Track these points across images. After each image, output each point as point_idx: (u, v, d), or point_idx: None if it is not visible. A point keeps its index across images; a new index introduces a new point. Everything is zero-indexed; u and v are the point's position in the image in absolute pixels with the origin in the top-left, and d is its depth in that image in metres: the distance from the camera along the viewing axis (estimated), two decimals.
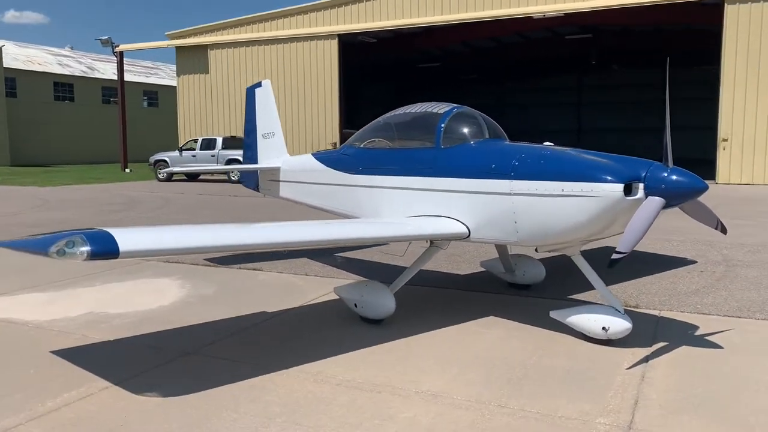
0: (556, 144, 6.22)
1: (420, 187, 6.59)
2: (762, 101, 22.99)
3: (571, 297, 7.31)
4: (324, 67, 30.23)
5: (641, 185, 5.04)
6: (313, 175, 8.33)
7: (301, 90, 30.87)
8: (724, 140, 23.51)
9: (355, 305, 6.29)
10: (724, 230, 5.87)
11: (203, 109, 33.89)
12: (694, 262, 9.32)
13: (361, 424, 4.12)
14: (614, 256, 4.88)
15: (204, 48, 33.48)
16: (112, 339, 5.89)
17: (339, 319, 6.48)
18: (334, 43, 30.20)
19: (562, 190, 5.26)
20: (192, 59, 33.84)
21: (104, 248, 4.08)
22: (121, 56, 36.77)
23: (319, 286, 7.91)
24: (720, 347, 5.52)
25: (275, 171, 9.31)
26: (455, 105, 6.79)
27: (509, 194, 5.64)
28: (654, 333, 5.90)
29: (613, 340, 5.53)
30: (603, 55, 42.04)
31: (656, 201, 4.93)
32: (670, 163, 5.07)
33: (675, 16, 29.18)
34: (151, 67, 66.93)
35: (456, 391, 4.63)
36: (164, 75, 65.45)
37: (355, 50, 33.46)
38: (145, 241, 4.35)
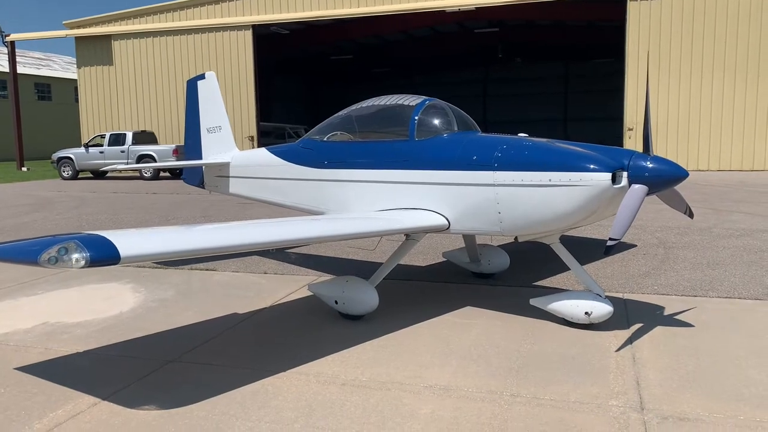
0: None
1: (393, 180, 6.53)
2: (662, 92, 24.49)
3: (536, 284, 7.52)
4: (239, 59, 29.42)
5: (625, 174, 5.23)
6: (270, 170, 8.09)
7: None
8: (630, 129, 24.87)
9: (336, 302, 6.17)
10: (691, 214, 6.21)
11: (108, 103, 32.14)
12: (633, 245, 9.80)
13: (384, 423, 4.04)
14: (609, 243, 5.04)
15: (107, 38, 31.72)
16: (81, 350, 5.48)
17: (316, 317, 6.34)
18: (248, 34, 29.44)
19: (549, 180, 5.37)
20: (94, 50, 31.97)
21: (104, 254, 3.77)
22: (12, 46, 34.20)
23: (282, 285, 7.70)
24: (691, 325, 5.84)
25: (224, 166, 8.96)
26: (425, 97, 6.78)
27: (493, 185, 5.70)
28: (626, 315, 6.15)
29: (594, 324, 5.73)
30: (509, 49, 43.47)
31: (641, 189, 5.13)
32: (651, 152, 5.28)
33: (579, 12, 30.55)
34: (42, 59, 62.82)
35: (464, 383, 4.64)
36: (57, 67, 61.63)
37: (267, 42, 32.79)
38: (146, 245, 4.05)
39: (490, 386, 4.57)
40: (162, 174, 27.43)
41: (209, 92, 9.42)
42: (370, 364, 5.04)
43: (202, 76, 9.53)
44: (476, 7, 28.81)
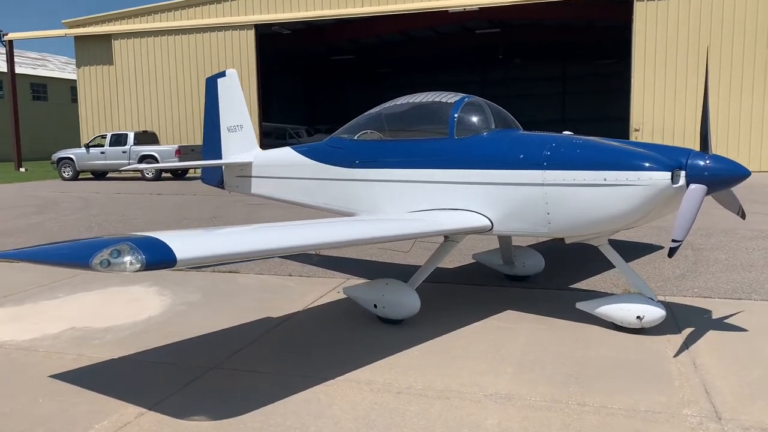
0: None
1: (431, 180, 6.34)
2: (669, 92, 24.39)
3: (572, 287, 7.33)
4: (240, 59, 29.14)
5: (683, 173, 5.06)
6: (296, 169, 7.87)
7: None
8: (636, 130, 24.76)
9: (375, 306, 5.97)
10: (743, 215, 6.04)
11: (108, 103, 31.78)
12: (660, 247, 9.62)
13: None
14: (672, 245, 4.88)
15: (107, 38, 31.37)
16: (116, 357, 5.26)
17: (353, 321, 6.13)
18: (251, 34, 29.18)
19: (604, 180, 5.19)
20: (94, 50, 31.62)
21: (159, 257, 3.56)
22: (10, 46, 33.84)
23: (310, 287, 7.50)
24: (745, 330, 5.66)
25: (245, 166, 8.73)
26: (464, 94, 6.60)
27: (542, 185, 5.51)
28: (675, 319, 5.97)
29: (646, 329, 5.54)
30: (509, 49, 43.37)
31: (701, 188, 4.96)
32: (710, 151, 5.11)
33: (582, 12, 30.44)
34: (38, 59, 62.34)
35: (524, 391, 4.44)
36: (53, 66, 61.17)
37: (268, 42, 32.54)
38: (202, 247, 3.84)
39: (553, 395, 4.38)
40: (164, 175, 27.13)
41: (230, 90, 9.21)
42: (421, 371, 4.84)
43: (222, 74, 9.33)
44: (480, 8, 28.66)
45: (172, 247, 3.62)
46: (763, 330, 5.67)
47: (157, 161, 25.61)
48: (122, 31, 31.04)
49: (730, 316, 6.05)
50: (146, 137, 27.53)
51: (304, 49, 39.03)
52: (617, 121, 27.22)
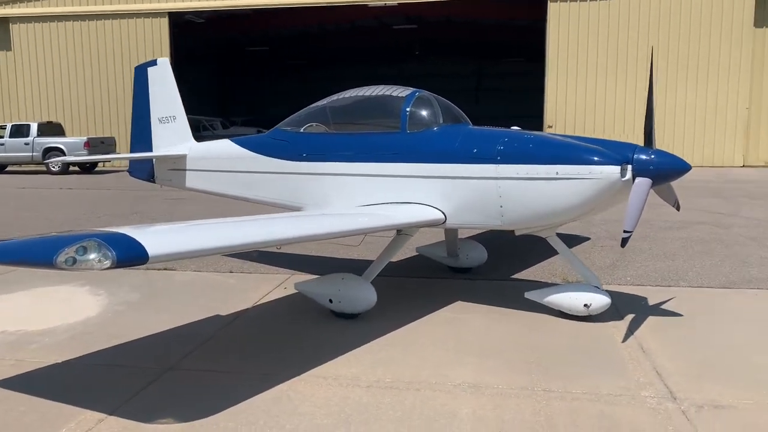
0: None
1: (383, 173, 6.34)
2: (580, 90, 25.51)
3: (514, 277, 7.55)
4: (153, 48, 27.96)
5: (629, 167, 5.30)
6: (236, 162, 7.66)
7: (127, 73, 28.23)
8: (549, 127, 25.73)
9: (330, 300, 5.91)
10: (678, 207, 6.39)
11: (7, 92, 29.73)
12: (587, 238, 10.07)
13: (431, 426, 3.88)
14: (624, 235, 5.11)
15: (4, 21, 29.30)
16: (60, 361, 4.94)
17: (307, 316, 6.05)
18: (164, 22, 28.09)
19: (557, 173, 5.36)
20: None
21: (131, 253, 3.37)
22: None
23: (255, 284, 7.33)
24: (680, 315, 6.02)
25: (180, 159, 8.41)
26: (413, 88, 6.63)
27: (495, 178, 5.63)
28: (616, 306, 6.25)
29: (592, 316, 5.78)
30: (425, 46, 43.95)
31: (646, 182, 5.22)
32: (654, 146, 5.39)
33: (497, 11, 31.30)
34: None
35: (491, 380, 4.54)
36: None
37: (182, 31, 31.44)
38: (175, 243, 3.66)
39: (518, 382, 4.50)
40: (72, 168, 25.70)
41: (161, 80, 8.82)
42: (386, 364, 4.84)
43: (153, 63, 8.92)
44: (398, 3, 28.90)
45: (143, 243, 3.43)
46: (697, 314, 6.05)
47: (63, 154, 24.23)
48: (21, 14, 29.08)
49: (665, 302, 6.40)
50: (51, 128, 25.98)
51: (218, 39, 37.99)
52: (531, 119, 28.20)
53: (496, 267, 7.87)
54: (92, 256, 3.35)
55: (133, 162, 9.29)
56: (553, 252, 8.29)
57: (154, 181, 8.92)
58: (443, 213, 5.98)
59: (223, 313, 6.20)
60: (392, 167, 6.27)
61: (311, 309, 6.17)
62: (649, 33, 24.70)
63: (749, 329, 5.64)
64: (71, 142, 24.84)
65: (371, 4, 29.00)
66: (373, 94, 6.80)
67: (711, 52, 24.41)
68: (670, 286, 7.14)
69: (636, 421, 3.92)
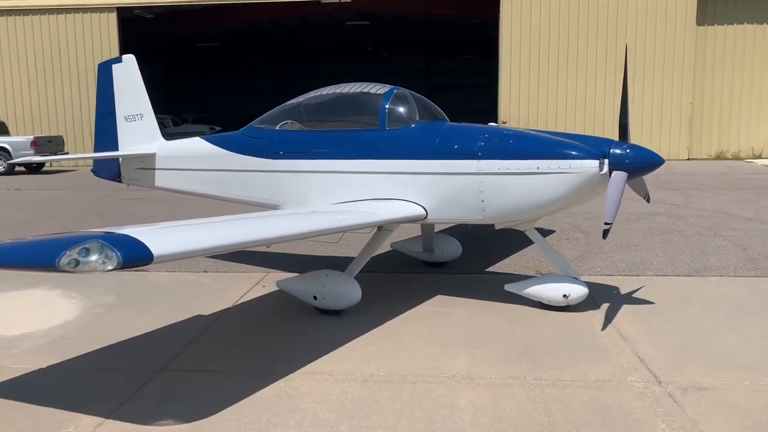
0: None
1: (363, 170, 6.38)
2: (533, 86, 26.01)
3: (488, 270, 7.71)
4: (101, 44, 27.16)
5: (606, 161, 5.49)
6: (209, 161, 7.58)
7: (75, 70, 27.44)
8: (504, 122, 26.13)
9: (315, 297, 5.93)
10: (648, 199, 6.64)
11: None
12: (552, 231, 10.34)
13: (432, 417, 3.96)
14: (605, 227, 5.29)
15: None
16: (44, 366, 4.83)
17: (288, 314, 6.07)
18: (113, 17, 27.33)
19: (537, 168, 5.51)
20: None
21: (135, 254, 3.34)
22: None
23: (232, 283, 7.28)
24: (652, 302, 6.27)
25: (148, 158, 8.25)
26: (391, 85, 6.69)
27: (476, 174, 5.75)
28: (591, 296, 6.46)
29: (571, 306, 5.97)
30: (378, 41, 44.03)
31: (623, 175, 5.42)
32: (629, 140, 5.59)
33: (451, 8, 31.61)
34: None
35: (483, 371, 4.65)
36: None
37: (131, 26, 30.66)
38: (179, 242, 3.63)
39: (510, 372, 4.63)
40: (17, 169, 24.77)
41: (127, 77, 8.63)
42: (378, 359, 4.90)
43: (118, 60, 8.73)
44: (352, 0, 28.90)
45: (146, 244, 3.40)
46: (667, 301, 6.31)
47: (8, 153, 23.36)
48: None
49: (636, 290, 6.65)
50: None
51: (168, 35, 37.13)
52: (484, 115, 28.61)
53: (467, 260, 8.01)
54: (94, 257, 3.31)
55: (97, 161, 9.07)
56: (523, 244, 8.58)
57: (120, 181, 8.73)
58: (424, 209, 6.07)
59: (205, 313, 6.15)
60: (372, 164, 6.33)
61: (293, 306, 6.18)
62: (597, 30, 25.37)
63: (718, 314, 5.93)
64: (17, 142, 23.93)
65: (325, 0, 28.91)
66: (350, 91, 6.83)
67: (656, 49, 25.23)
68: (638, 275, 7.42)
69: (627, 405, 4.10)
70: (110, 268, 3.29)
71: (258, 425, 3.87)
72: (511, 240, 8.77)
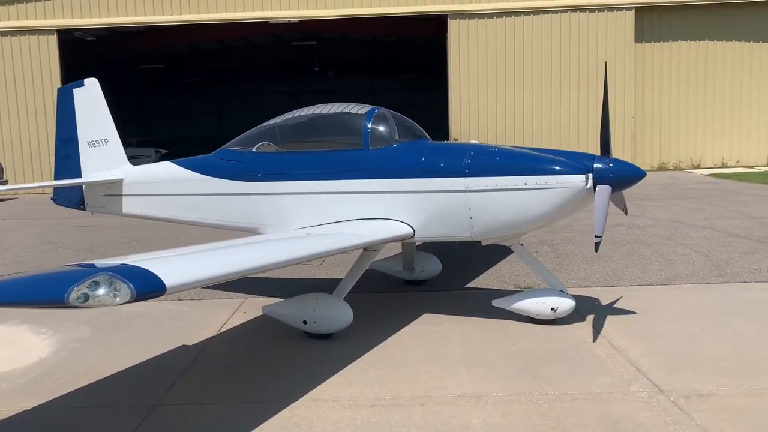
0: None
1: (347, 191, 6.34)
2: (482, 102, 26.51)
3: (468, 287, 7.74)
4: (41, 67, 26.28)
5: (590, 175, 5.61)
6: (181, 185, 7.39)
7: (11, 95, 26.41)
8: (455, 139, 26.50)
9: (305, 321, 5.81)
10: (626, 211, 6.80)
11: None
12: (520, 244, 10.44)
13: None
14: (596, 240, 5.39)
15: None
16: (29, 407, 4.56)
17: (276, 340, 5.94)
18: (53, 39, 26.49)
19: (525, 184, 5.59)
20: None
21: (148, 286, 3.20)
22: None
23: (211, 310, 7.08)
24: (634, 312, 6.40)
25: (114, 184, 7.98)
26: (370, 105, 6.68)
27: (464, 191, 5.78)
28: (576, 309, 6.55)
29: (559, 319, 6.04)
30: (324, 62, 44.11)
31: (607, 189, 5.55)
32: (611, 155, 5.73)
33: (398, 28, 31.95)
34: None
35: (489, 388, 4.65)
36: None
37: (71, 49, 29.79)
38: (191, 272, 3.49)
39: (515, 388, 4.64)
40: None
41: (90, 101, 8.36)
42: (381, 381, 4.84)
43: (79, 83, 8.43)
44: (300, 20, 28.87)
45: (158, 274, 3.26)
46: (649, 311, 6.46)
47: None
48: None
49: (616, 301, 6.80)
50: None
51: (110, 57, 36.25)
52: (434, 132, 28.93)
53: (446, 277, 8.03)
54: (103, 291, 3.14)
55: (58, 189, 8.72)
56: (498, 259, 8.67)
57: (84, 209, 8.41)
58: (411, 227, 6.06)
59: (189, 343, 5.95)
60: (357, 184, 6.29)
61: (280, 331, 6.06)
62: (542, 47, 26.11)
63: (698, 321, 6.11)
64: None
65: (272, 20, 28.78)
66: (330, 111, 6.80)
67: (599, 65, 26.11)
68: (614, 285, 7.58)
69: (636, 415, 4.15)
70: (121, 301, 3.14)
71: None
72: (487, 255, 8.86)
